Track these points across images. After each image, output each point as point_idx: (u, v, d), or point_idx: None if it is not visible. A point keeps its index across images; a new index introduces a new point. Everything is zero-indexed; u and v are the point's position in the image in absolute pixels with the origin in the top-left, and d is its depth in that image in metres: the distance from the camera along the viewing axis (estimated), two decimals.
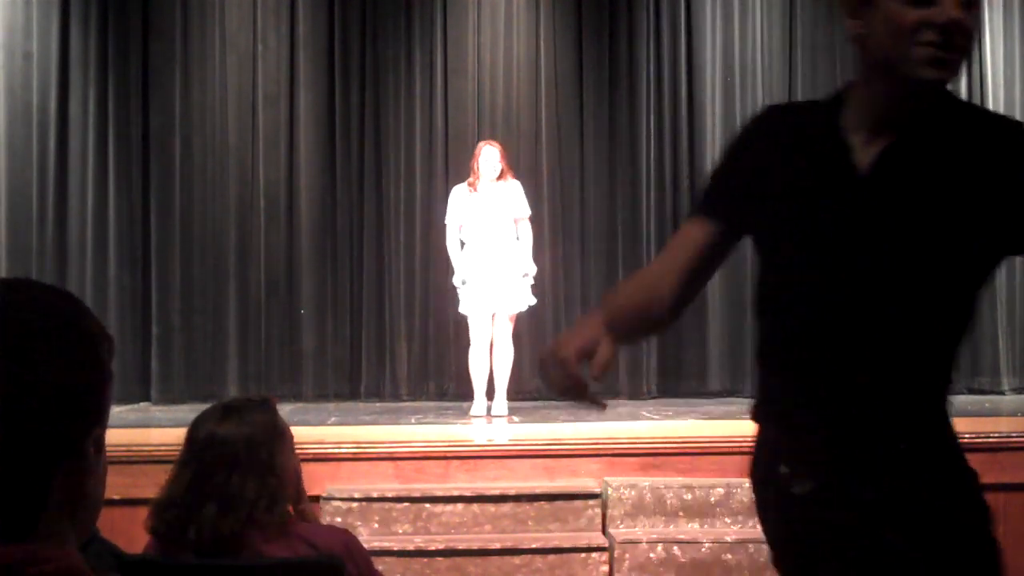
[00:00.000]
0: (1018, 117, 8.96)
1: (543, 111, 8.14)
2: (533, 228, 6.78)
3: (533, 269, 6.62)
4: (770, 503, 1.83)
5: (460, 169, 7.25)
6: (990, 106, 8.26)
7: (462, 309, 6.63)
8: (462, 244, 6.64)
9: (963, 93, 8.30)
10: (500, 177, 6.62)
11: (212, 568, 2.24)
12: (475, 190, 6.60)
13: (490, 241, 6.53)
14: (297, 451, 2.44)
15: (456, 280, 6.61)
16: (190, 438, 2.34)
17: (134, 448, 4.73)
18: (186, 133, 7.92)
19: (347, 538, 2.45)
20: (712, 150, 8.19)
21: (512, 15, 8.18)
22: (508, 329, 6.57)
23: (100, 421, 1.05)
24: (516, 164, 7.61)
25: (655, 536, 4.68)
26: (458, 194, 6.68)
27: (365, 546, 2.56)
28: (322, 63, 8.07)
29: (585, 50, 8.20)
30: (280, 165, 7.99)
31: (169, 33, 7.94)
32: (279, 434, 2.35)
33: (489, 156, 6.62)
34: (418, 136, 8.07)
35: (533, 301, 6.67)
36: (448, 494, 4.79)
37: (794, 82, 8.28)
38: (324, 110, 8.06)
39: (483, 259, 6.50)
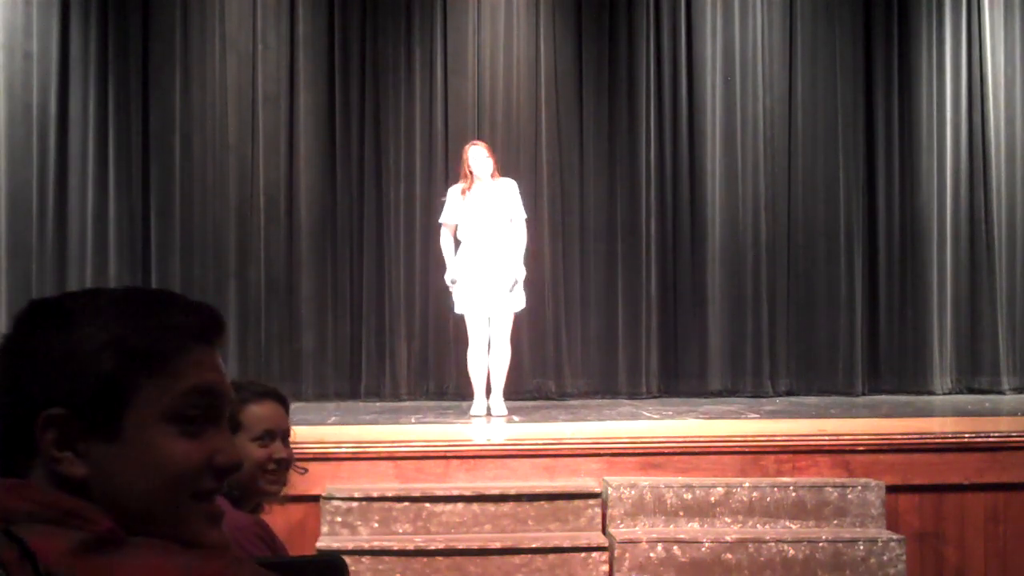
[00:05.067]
0: (1018, 117, 8.95)
1: (543, 111, 8.13)
2: (532, 228, 6.76)
3: (522, 274, 6.54)
4: None
5: (460, 169, 7.24)
6: (990, 106, 8.25)
7: (457, 309, 6.62)
8: (458, 244, 6.61)
9: (963, 93, 8.30)
10: (493, 175, 6.60)
11: None
12: (469, 192, 6.57)
13: (486, 241, 6.50)
14: (296, 450, 2.41)
15: (447, 278, 6.60)
16: None
17: None
18: (186, 133, 7.92)
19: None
20: (712, 150, 8.20)
21: (512, 15, 8.17)
22: (505, 329, 6.54)
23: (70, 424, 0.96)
24: (516, 164, 7.61)
25: (655, 536, 4.67)
26: (455, 194, 6.66)
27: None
28: (322, 63, 8.07)
29: (585, 50, 8.20)
30: (280, 165, 7.99)
31: (169, 33, 7.94)
32: (234, 424, 2.31)
33: (478, 156, 6.58)
34: (418, 136, 8.07)
35: (523, 304, 6.64)
36: (448, 494, 4.78)
37: (794, 82, 8.29)
38: (324, 110, 8.06)
39: (478, 260, 6.48)
